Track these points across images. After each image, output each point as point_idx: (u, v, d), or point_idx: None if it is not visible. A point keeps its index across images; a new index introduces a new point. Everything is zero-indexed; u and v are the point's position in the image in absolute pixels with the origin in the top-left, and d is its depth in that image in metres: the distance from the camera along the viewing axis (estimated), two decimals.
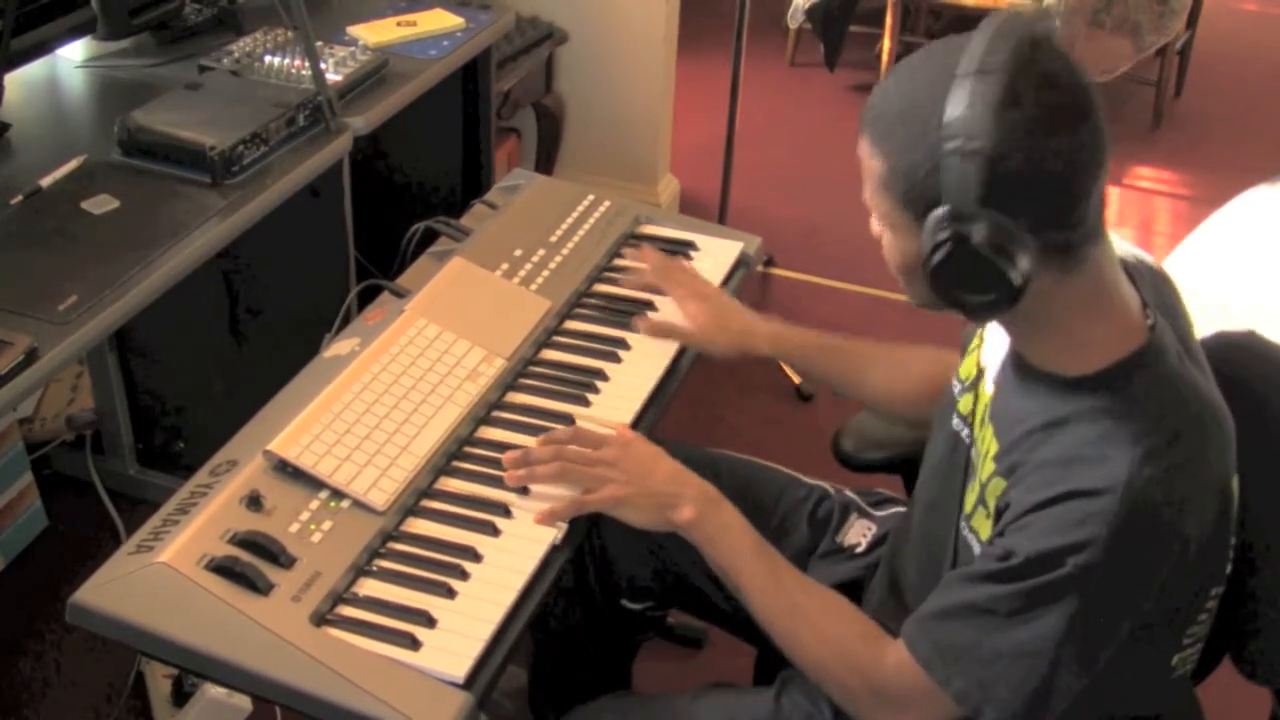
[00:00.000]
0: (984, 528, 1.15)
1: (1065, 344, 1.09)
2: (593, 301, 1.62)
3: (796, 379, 2.86)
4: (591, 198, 1.80)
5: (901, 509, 1.52)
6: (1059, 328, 1.09)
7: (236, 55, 2.13)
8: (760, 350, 1.55)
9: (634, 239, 1.75)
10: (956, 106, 0.99)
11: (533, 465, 1.30)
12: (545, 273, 1.63)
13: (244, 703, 1.91)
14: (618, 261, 1.68)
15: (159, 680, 1.98)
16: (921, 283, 1.07)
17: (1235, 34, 5.02)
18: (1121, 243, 1.17)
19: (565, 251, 1.68)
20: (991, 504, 1.13)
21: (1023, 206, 1.00)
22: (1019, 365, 1.15)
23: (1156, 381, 1.07)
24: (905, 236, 1.07)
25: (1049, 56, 1.01)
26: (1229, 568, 1.17)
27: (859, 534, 1.53)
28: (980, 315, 1.09)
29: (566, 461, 1.30)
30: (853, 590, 1.41)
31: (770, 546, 1.28)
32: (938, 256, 1.02)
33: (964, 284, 1.03)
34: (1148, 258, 1.21)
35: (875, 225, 1.13)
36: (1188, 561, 1.06)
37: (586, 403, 1.44)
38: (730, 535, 1.27)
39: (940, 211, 1.01)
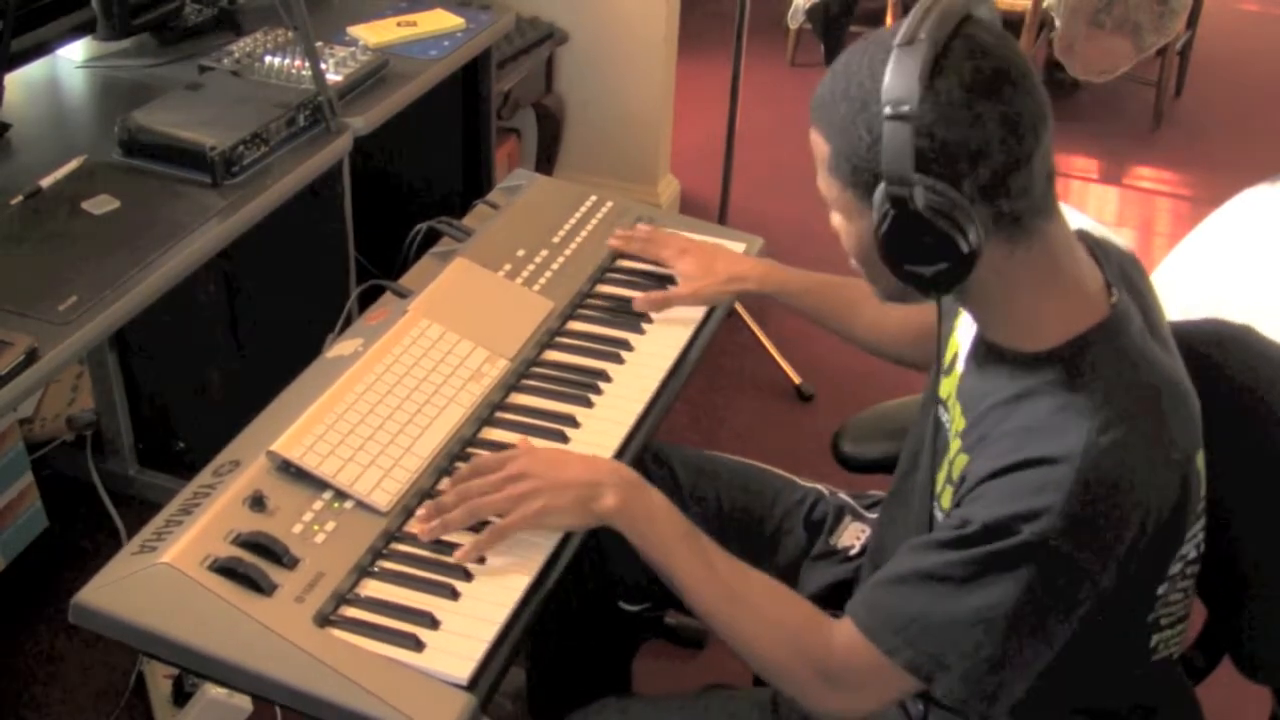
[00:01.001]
0: (947, 500, 1.15)
1: (1024, 320, 1.10)
2: (596, 302, 1.62)
3: (797, 379, 2.86)
4: (594, 198, 1.80)
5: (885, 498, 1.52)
6: (1016, 304, 1.09)
7: (237, 55, 2.13)
8: (750, 290, 1.62)
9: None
10: (887, 75, 1.00)
11: (443, 514, 1.24)
12: (548, 273, 1.63)
13: (244, 703, 1.91)
14: (611, 241, 1.70)
15: (159, 680, 1.98)
16: (880, 264, 1.07)
17: (1235, 34, 5.02)
18: (1089, 221, 1.18)
19: (568, 252, 1.68)
20: (956, 479, 1.13)
21: (960, 172, 1.01)
22: (982, 344, 1.15)
23: (1116, 355, 1.08)
24: (858, 218, 1.09)
25: (978, 26, 1.03)
26: (1199, 548, 1.17)
27: (852, 537, 1.53)
28: (936, 288, 1.08)
29: (474, 499, 1.24)
30: (846, 592, 1.41)
31: (701, 532, 1.24)
32: (884, 227, 1.03)
33: (914, 254, 1.04)
34: (1115, 238, 1.21)
35: (834, 218, 1.14)
36: (1146, 534, 1.06)
37: (589, 403, 1.44)
38: (657, 521, 1.23)
39: (882, 184, 1.02)
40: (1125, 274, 1.16)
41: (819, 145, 1.09)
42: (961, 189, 1.01)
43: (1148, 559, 1.10)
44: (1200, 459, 1.12)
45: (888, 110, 1.00)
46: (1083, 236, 1.15)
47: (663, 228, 1.73)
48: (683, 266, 1.63)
